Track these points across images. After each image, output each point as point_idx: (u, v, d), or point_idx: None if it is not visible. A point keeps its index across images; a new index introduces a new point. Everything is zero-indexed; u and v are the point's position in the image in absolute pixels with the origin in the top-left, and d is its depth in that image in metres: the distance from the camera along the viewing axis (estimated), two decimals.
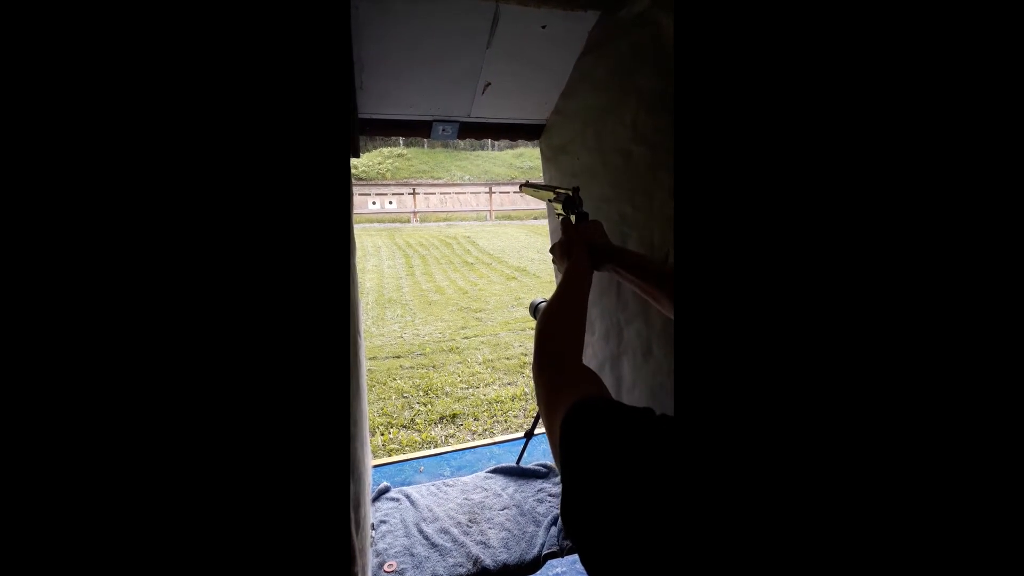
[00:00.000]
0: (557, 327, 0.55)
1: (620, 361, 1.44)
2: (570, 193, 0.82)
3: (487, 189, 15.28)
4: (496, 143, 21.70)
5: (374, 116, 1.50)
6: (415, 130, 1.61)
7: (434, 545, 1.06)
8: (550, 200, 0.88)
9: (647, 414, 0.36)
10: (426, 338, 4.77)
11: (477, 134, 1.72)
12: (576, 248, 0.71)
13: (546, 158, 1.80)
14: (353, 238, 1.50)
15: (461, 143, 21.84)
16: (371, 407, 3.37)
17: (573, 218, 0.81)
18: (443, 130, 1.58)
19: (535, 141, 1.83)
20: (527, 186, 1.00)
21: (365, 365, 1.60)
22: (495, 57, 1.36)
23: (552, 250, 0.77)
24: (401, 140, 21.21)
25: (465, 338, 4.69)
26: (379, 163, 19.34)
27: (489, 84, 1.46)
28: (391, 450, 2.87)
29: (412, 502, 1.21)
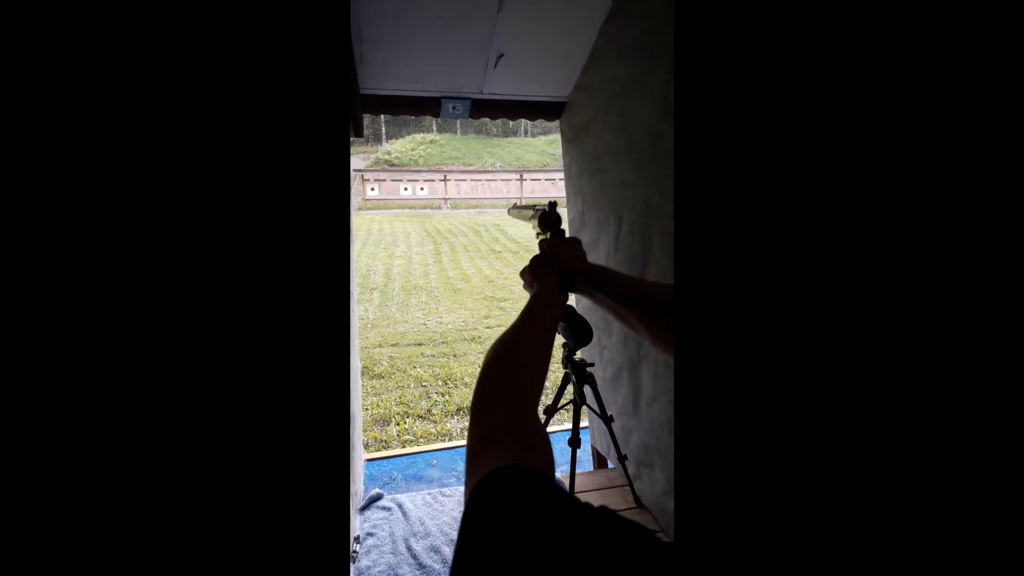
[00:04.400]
0: (509, 364, 0.47)
1: (639, 368, 1.29)
2: (547, 208, 0.74)
3: (518, 176, 15.11)
4: (529, 129, 21.40)
5: (377, 92, 1.39)
6: (423, 107, 1.48)
7: (422, 566, 0.97)
8: (529, 219, 0.78)
9: (572, 504, 0.30)
10: (449, 326, 4.73)
11: (492, 112, 1.58)
12: (546, 271, 0.63)
13: (567, 139, 1.64)
14: (350, 227, 1.41)
15: (493, 128, 21.67)
16: (389, 395, 3.34)
17: (549, 235, 0.74)
18: (453, 108, 1.45)
19: (557, 121, 1.68)
20: (514, 208, 0.91)
21: (359, 360, 1.51)
22: (508, 23, 1.21)
23: (521, 274, 0.68)
24: (434, 126, 21.25)
25: (488, 328, 4.62)
26: (411, 149, 19.42)
27: (502, 55, 1.32)
28: (405, 441, 2.82)
29: (404, 512, 1.12)
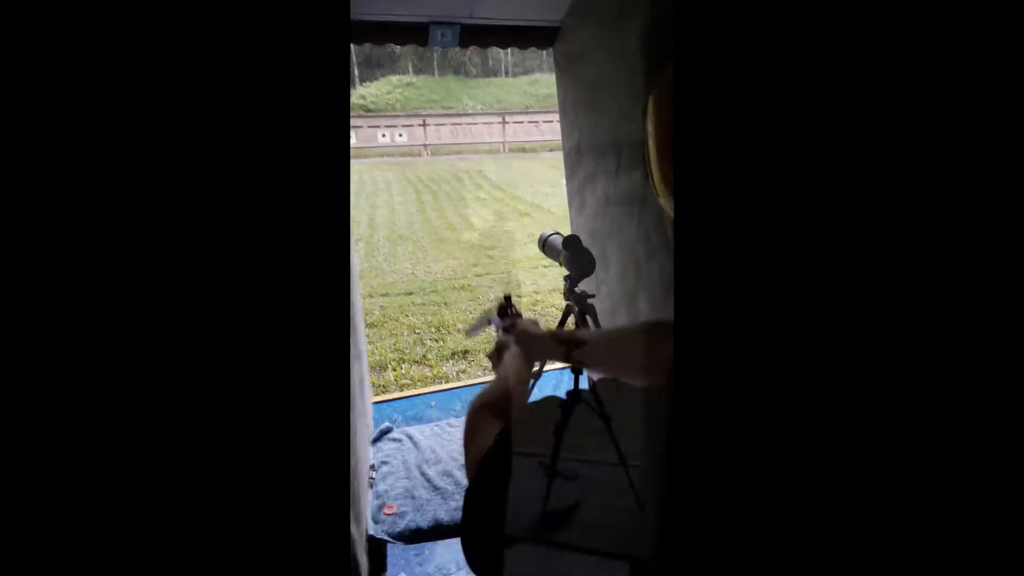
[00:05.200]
0: (500, 398, 0.58)
1: (636, 299, 1.32)
2: (503, 301, 0.85)
3: (500, 119, 14.56)
4: (510, 69, 20.37)
5: (361, 18, 1.29)
6: (410, 35, 1.39)
7: (436, 488, 1.03)
8: (489, 321, 0.84)
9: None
10: (437, 275, 4.72)
11: (482, 39, 1.49)
12: (512, 345, 0.75)
13: (560, 69, 1.58)
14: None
15: (472, 69, 20.57)
16: (383, 343, 3.38)
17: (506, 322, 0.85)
18: (442, 34, 1.37)
19: (540, 58, 1.60)
20: (469, 328, 0.97)
21: (360, 299, 1.52)
22: None
23: (488, 356, 0.80)
24: (410, 67, 20.07)
25: (477, 276, 4.63)
26: (387, 92, 18.43)
27: None
28: (403, 385, 2.89)
29: (415, 443, 1.17)
